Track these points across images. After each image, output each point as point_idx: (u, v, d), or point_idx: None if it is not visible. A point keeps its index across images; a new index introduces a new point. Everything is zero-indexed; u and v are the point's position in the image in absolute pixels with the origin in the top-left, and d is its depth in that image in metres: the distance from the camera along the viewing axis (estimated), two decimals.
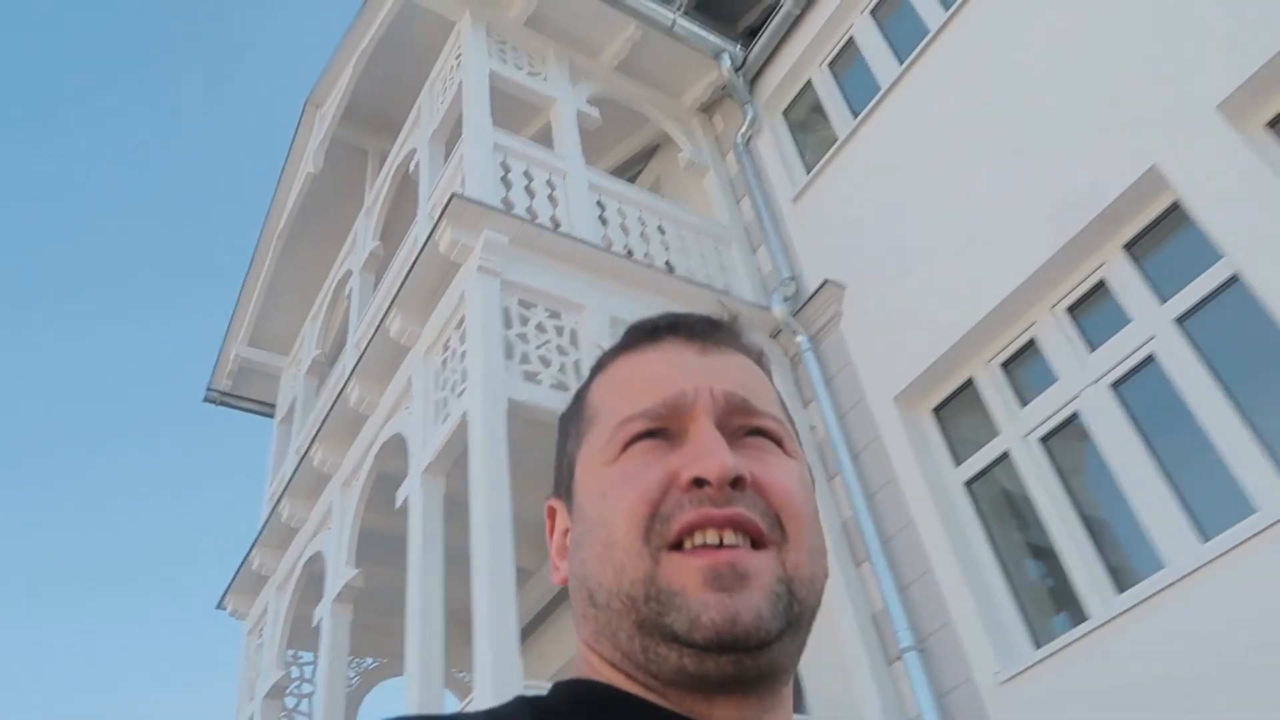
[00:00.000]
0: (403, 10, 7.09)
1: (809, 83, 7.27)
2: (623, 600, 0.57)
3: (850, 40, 6.99)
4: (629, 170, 8.72)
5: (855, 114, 6.71)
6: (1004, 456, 4.86)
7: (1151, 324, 4.35)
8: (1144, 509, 4.16)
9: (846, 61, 7.06)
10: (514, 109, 7.01)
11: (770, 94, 7.43)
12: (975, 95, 5.41)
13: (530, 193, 5.90)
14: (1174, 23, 4.38)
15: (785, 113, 7.47)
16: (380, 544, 6.17)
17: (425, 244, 5.40)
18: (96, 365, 34.33)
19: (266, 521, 7.50)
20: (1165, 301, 4.34)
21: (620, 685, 0.58)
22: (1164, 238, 4.41)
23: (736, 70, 7.46)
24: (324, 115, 8.62)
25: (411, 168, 7.08)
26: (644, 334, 0.69)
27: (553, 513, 0.71)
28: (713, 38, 7.47)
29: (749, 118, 7.34)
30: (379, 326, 5.84)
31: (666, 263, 6.22)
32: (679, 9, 8.11)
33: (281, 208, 9.18)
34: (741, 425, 0.63)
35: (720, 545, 0.56)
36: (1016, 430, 4.83)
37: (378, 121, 8.52)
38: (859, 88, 6.86)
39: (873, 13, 6.86)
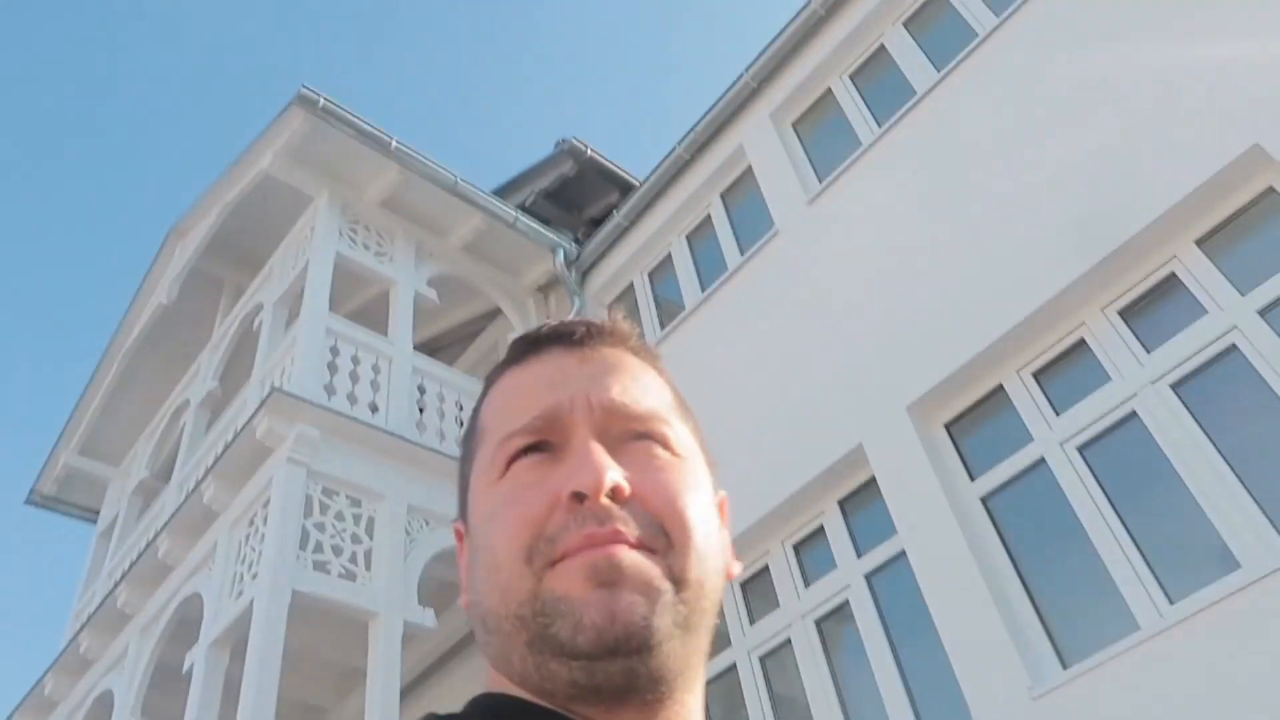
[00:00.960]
0: (265, 180, 7.66)
1: (631, 286, 8.16)
2: (512, 622, 0.57)
3: (669, 257, 7.92)
4: (472, 327, 9.41)
5: (663, 326, 7.60)
6: (787, 642, 5.46)
7: (849, 574, 5.21)
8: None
9: (663, 274, 7.99)
10: (358, 276, 7.63)
11: (599, 289, 8.28)
12: (741, 351, 6.33)
13: (354, 377, 6.49)
14: (885, 329, 5.38)
15: (610, 307, 8.32)
16: (179, 678, 6.43)
17: (245, 426, 5.90)
18: None
19: (65, 648, 7.62)
20: (860, 557, 5.21)
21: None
22: (867, 503, 5.31)
23: (569, 265, 8.29)
24: (185, 246, 9.00)
25: (255, 324, 7.59)
26: (527, 345, 0.69)
27: (460, 536, 0.70)
28: (550, 234, 8.30)
29: (575, 308, 8.15)
30: (195, 487, 6.26)
31: None
32: (529, 198, 8.99)
33: (131, 326, 9.44)
34: (623, 430, 0.62)
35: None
36: (797, 610, 5.44)
37: (238, 256, 8.94)
38: (671, 301, 7.77)
39: (688, 238, 7.83)
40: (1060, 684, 4.00)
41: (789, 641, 5.38)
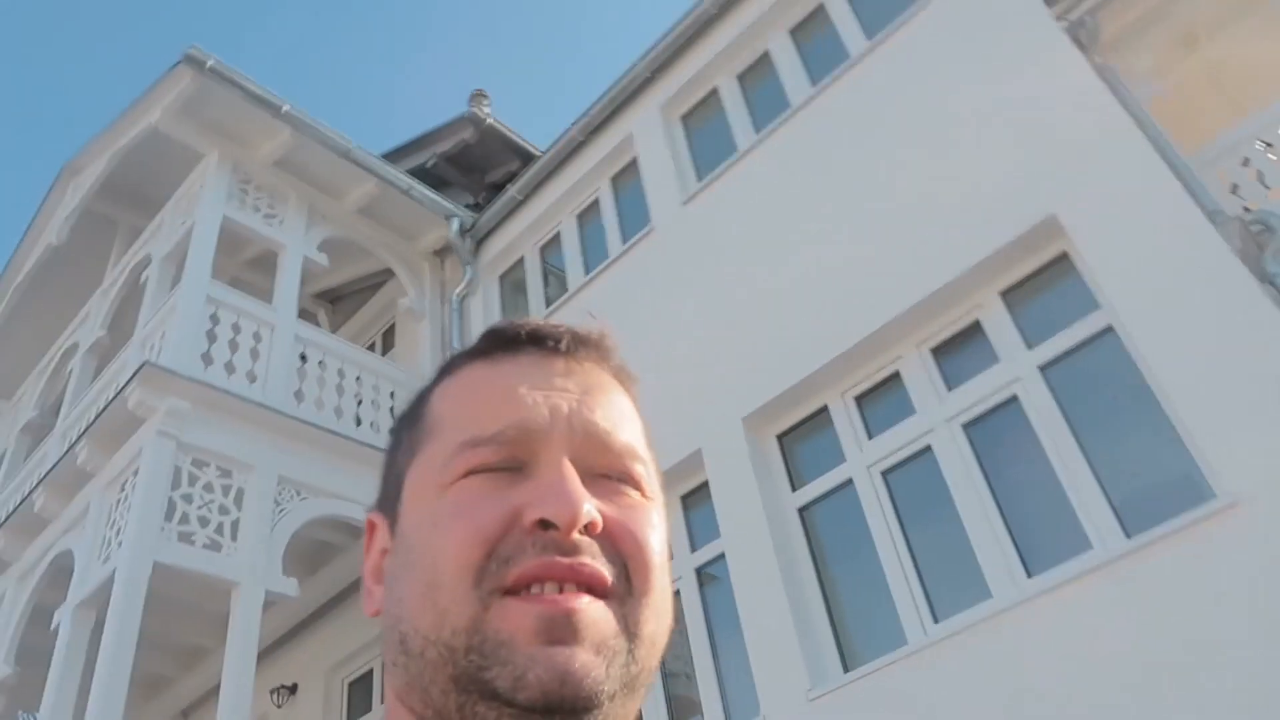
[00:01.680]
0: (154, 134, 7.62)
1: (522, 259, 8.39)
2: (440, 650, 0.51)
3: (558, 234, 8.15)
4: (368, 282, 9.53)
5: (549, 303, 7.86)
6: None
7: (682, 567, 5.65)
8: None
9: (553, 251, 8.22)
10: (247, 238, 7.70)
11: (492, 259, 8.48)
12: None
13: (233, 346, 6.65)
14: (732, 340, 5.75)
15: (502, 277, 8.54)
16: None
17: (118, 394, 6.06)
18: None
19: None
20: (694, 552, 5.66)
21: None
22: (700, 504, 5.74)
23: (463, 233, 8.46)
24: (79, 185, 8.91)
25: (143, 277, 7.65)
26: (502, 341, 0.63)
27: (373, 528, 0.64)
28: (445, 203, 8.44)
29: (467, 277, 8.36)
30: (70, 448, 6.43)
31: (356, 418, 7.12)
32: (430, 160, 9.08)
33: (21, 264, 9.37)
34: (598, 461, 0.57)
35: (559, 593, 0.51)
36: None
37: (132, 199, 8.89)
38: (558, 279, 8.03)
39: (578, 217, 8.05)
40: (838, 686, 4.51)
41: None
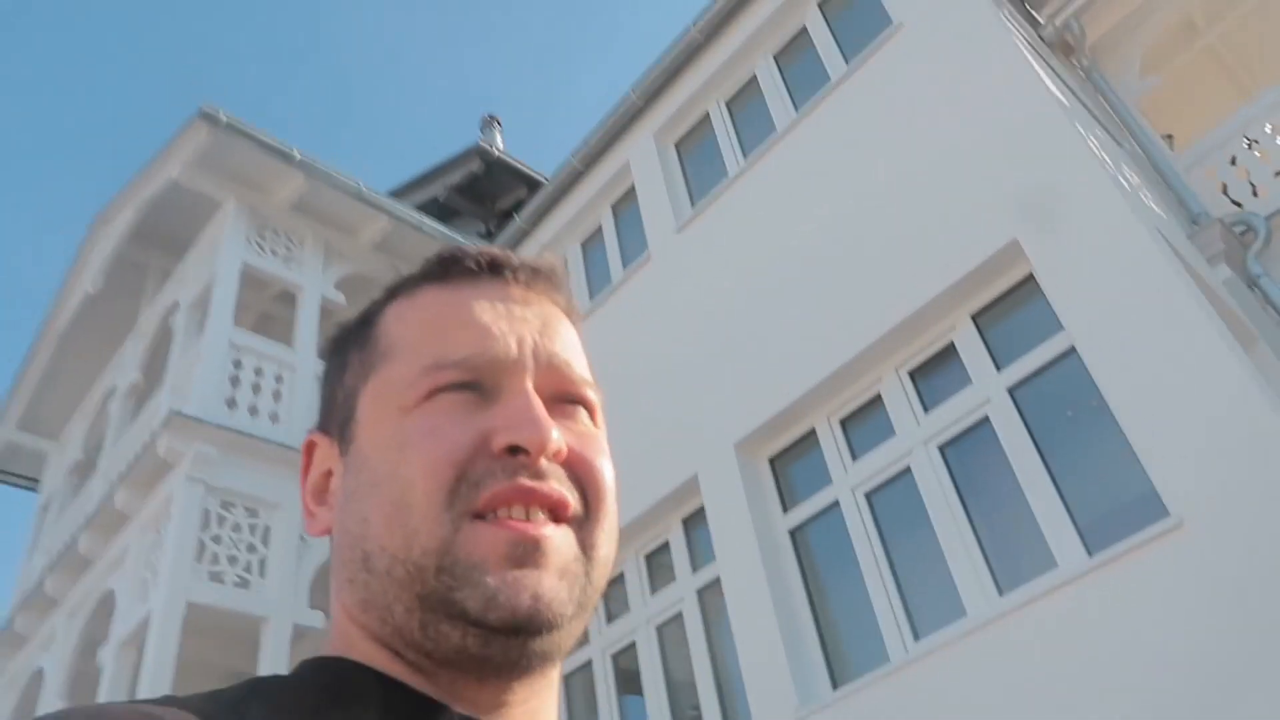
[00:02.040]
0: (174, 186, 8.00)
1: None
2: (408, 569, 0.52)
3: (565, 262, 8.40)
4: None
5: None
6: (632, 645, 6.30)
7: (685, 588, 5.88)
8: None
9: None
10: (267, 282, 8.07)
11: None
12: (610, 368, 6.87)
13: (257, 389, 7.02)
14: (724, 367, 5.95)
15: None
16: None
17: (149, 441, 6.44)
18: None
19: (4, 625, 8.27)
20: (695, 573, 5.88)
21: (379, 663, 0.54)
22: (699, 526, 5.95)
23: None
24: (109, 234, 9.37)
25: (171, 322, 8.05)
26: (459, 268, 0.63)
27: (311, 448, 0.63)
28: (455, 236, 8.74)
29: None
30: (110, 491, 6.83)
31: None
32: (441, 193, 9.40)
33: (61, 309, 9.84)
34: (557, 390, 0.59)
35: (526, 519, 0.54)
36: (644, 615, 6.24)
37: (161, 243, 9.32)
38: None
39: (583, 245, 8.30)
40: (827, 704, 4.71)
41: (633, 644, 6.10)
